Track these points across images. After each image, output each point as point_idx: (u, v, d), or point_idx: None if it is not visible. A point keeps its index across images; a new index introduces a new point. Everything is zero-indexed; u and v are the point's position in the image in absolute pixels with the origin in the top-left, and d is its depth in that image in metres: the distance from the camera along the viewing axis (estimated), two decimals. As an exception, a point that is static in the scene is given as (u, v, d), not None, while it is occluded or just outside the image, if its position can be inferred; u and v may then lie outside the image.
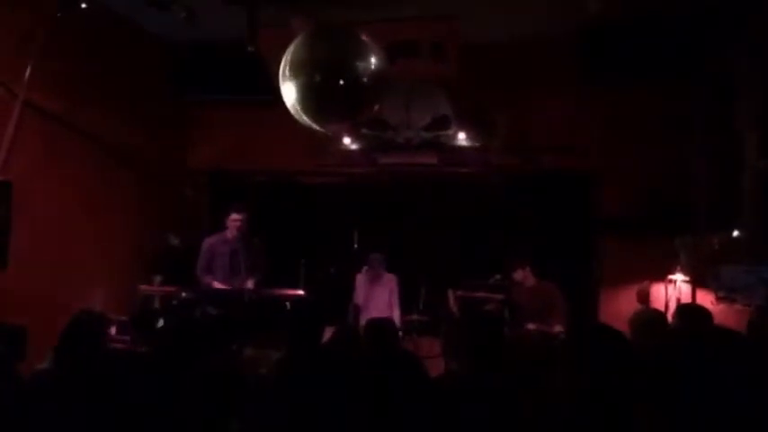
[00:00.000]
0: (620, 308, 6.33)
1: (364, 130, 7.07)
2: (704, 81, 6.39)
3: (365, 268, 6.62)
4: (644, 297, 6.32)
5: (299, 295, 5.77)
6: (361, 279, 6.70)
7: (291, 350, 3.18)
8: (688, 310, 3.81)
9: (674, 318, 3.82)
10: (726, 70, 6.06)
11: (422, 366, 2.52)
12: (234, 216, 5.85)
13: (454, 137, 7.20)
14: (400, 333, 6.10)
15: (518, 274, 6.00)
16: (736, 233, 5.58)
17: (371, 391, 2.37)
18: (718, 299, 5.56)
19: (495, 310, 5.95)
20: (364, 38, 4.04)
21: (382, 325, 3.86)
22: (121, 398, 2.80)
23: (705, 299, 5.73)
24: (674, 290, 6.28)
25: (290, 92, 3.95)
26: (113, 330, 5.45)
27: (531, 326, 5.73)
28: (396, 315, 6.44)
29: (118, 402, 2.78)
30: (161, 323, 5.58)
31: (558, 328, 5.71)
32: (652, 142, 6.83)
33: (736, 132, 5.79)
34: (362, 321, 6.08)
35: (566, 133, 7.13)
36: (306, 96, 3.88)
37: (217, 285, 5.76)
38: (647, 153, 6.83)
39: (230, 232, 5.89)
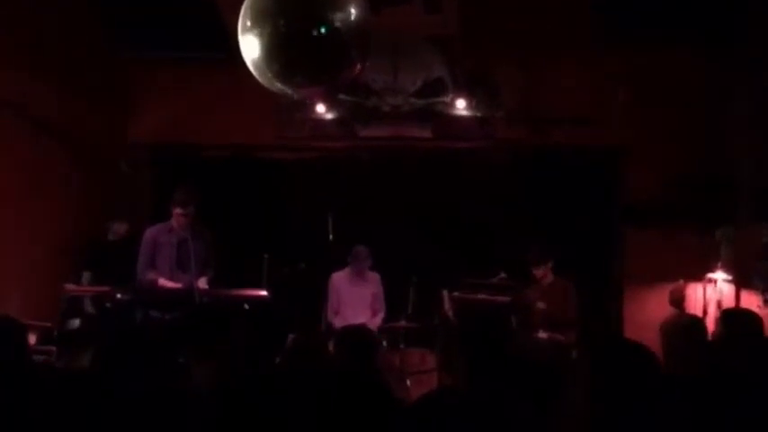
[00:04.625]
0: (648, 313, 6.37)
1: (341, 96, 7.00)
2: (749, 38, 6.38)
3: (349, 267, 6.60)
4: (678, 300, 6.36)
5: (262, 296, 5.72)
6: (339, 279, 6.67)
7: (240, 368, 3.14)
8: (734, 316, 3.82)
9: (716, 325, 3.82)
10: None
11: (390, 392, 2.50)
12: (178, 210, 5.75)
13: (451, 105, 7.18)
14: (384, 343, 6.10)
15: (540, 271, 6.01)
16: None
17: (336, 417, 2.35)
18: (766, 302, 5.61)
19: (499, 314, 5.97)
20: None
21: (359, 334, 3.83)
22: (45, 424, 2.74)
23: (750, 301, 5.79)
24: (714, 291, 6.33)
25: (251, 47, 3.88)
26: (33, 340, 5.36)
27: (542, 334, 5.76)
28: (377, 321, 6.43)
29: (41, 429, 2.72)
30: (91, 330, 5.52)
31: (573, 338, 5.75)
32: (686, 113, 6.86)
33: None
34: (338, 328, 6.09)
35: (583, 101, 7.16)
36: (271, 53, 3.82)
37: (163, 283, 5.69)
38: (680, 126, 6.87)
39: (176, 222, 5.83)
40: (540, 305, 5.95)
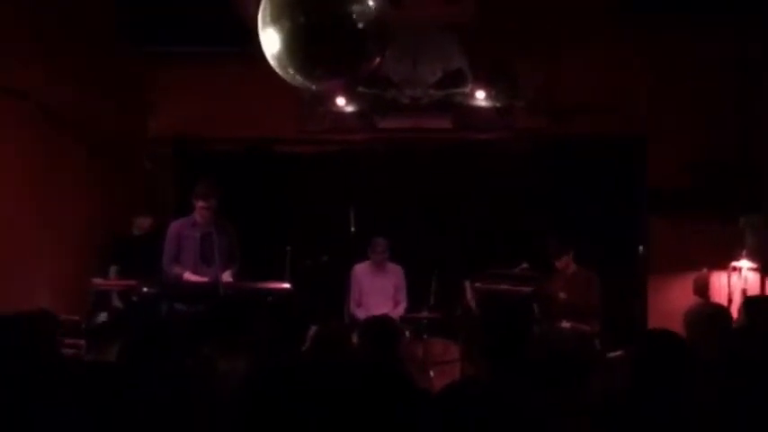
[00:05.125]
0: (672, 302, 6.34)
1: (361, 89, 7.02)
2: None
3: (370, 259, 6.63)
4: (702, 288, 6.33)
5: (285, 289, 5.76)
6: (360, 270, 6.72)
7: (264, 360, 3.18)
8: (757, 305, 3.81)
9: (739, 314, 3.81)
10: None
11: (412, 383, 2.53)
12: (200, 203, 5.81)
13: (471, 95, 7.16)
14: (407, 334, 6.13)
15: (562, 262, 6.01)
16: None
17: (360, 408, 2.39)
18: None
19: (521, 305, 5.97)
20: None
21: (383, 325, 3.86)
22: (75, 416, 2.80)
23: (776, 290, 5.74)
24: (739, 279, 6.28)
25: (271, 41, 3.90)
26: (63, 334, 5.45)
27: (565, 324, 5.75)
28: (398, 312, 6.47)
29: (71, 421, 2.78)
30: (118, 323, 5.59)
31: (597, 328, 5.75)
32: (711, 98, 6.79)
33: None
34: (361, 319, 6.13)
35: (605, 89, 7.10)
36: (291, 46, 3.84)
37: (188, 277, 5.76)
38: (704, 112, 6.80)
39: (199, 215, 5.88)
40: (562, 295, 5.95)
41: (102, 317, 5.96)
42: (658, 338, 2.76)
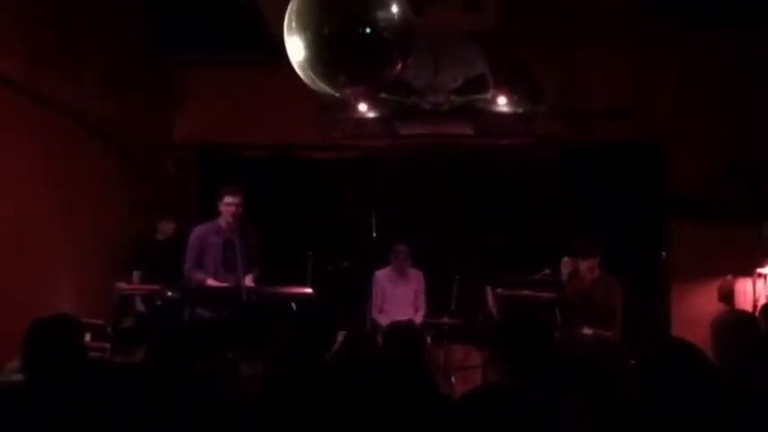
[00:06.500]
0: (696, 308, 6.29)
1: (383, 95, 7.03)
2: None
3: (391, 266, 6.65)
4: (727, 295, 6.28)
5: (307, 294, 5.79)
6: (382, 276, 6.74)
7: (290, 363, 3.20)
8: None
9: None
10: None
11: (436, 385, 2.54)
12: (228, 199, 5.82)
13: (492, 101, 7.16)
14: (428, 339, 6.13)
15: (588, 264, 5.88)
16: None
17: (385, 411, 2.40)
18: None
19: (543, 310, 5.93)
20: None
21: (406, 330, 3.88)
22: (101, 419, 2.83)
23: (802, 296, 5.69)
24: (765, 286, 6.22)
25: (297, 48, 3.93)
26: (88, 337, 5.50)
27: (587, 330, 5.72)
28: (418, 318, 6.48)
29: (97, 423, 2.81)
30: (142, 328, 5.65)
31: (618, 334, 5.71)
32: (734, 101, 6.74)
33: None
34: (382, 325, 6.13)
35: (626, 93, 7.08)
36: (316, 53, 3.87)
37: (211, 283, 5.79)
38: (728, 115, 6.75)
39: (224, 219, 5.89)
40: (585, 301, 5.89)
41: (128, 321, 6.04)
42: (664, 345, 2.75)
